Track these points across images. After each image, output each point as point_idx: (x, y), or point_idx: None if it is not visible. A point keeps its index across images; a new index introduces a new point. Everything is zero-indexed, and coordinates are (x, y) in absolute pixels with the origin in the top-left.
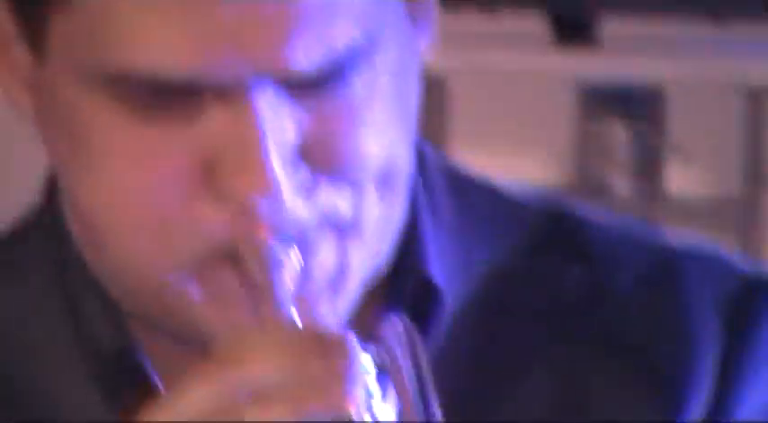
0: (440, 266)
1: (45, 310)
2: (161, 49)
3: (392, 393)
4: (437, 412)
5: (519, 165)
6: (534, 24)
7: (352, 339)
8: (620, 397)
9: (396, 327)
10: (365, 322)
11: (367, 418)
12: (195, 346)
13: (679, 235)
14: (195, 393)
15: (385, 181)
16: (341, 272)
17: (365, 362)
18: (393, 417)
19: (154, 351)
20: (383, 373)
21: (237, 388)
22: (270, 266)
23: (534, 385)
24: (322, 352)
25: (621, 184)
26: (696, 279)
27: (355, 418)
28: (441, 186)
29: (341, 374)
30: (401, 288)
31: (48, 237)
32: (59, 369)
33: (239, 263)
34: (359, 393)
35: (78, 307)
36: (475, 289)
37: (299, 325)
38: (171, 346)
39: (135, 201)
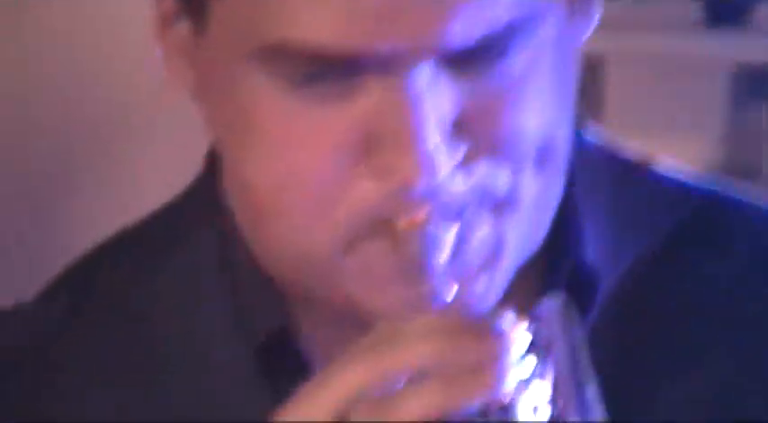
0: (595, 249)
1: (204, 285)
2: (321, 23)
3: (548, 372)
4: (593, 390)
5: (672, 148)
6: (688, 7)
7: (509, 319)
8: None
9: (553, 305)
10: (521, 302)
11: (522, 398)
12: (352, 327)
13: None
14: (350, 373)
15: (543, 158)
16: (497, 249)
17: (521, 341)
18: (548, 395)
19: (311, 333)
20: (539, 352)
21: (392, 370)
22: (426, 244)
23: (690, 369)
24: (477, 334)
25: None
26: None
27: (510, 399)
28: (599, 167)
29: (496, 356)
30: (556, 269)
31: (208, 211)
32: (215, 346)
33: (395, 240)
34: (514, 375)
35: (237, 285)
36: (627, 273)
37: (455, 304)
38: (328, 327)
39: (294, 176)
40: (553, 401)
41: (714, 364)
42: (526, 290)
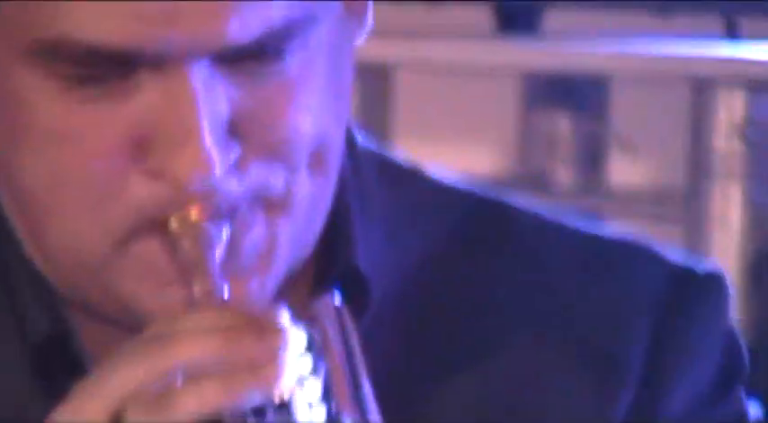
0: (367, 255)
1: None
2: (95, 20)
3: (323, 372)
4: (368, 390)
5: (462, 155)
6: (478, 15)
7: (285, 317)
8: (548, 389)
9: (327, 306)
10: (294, 304)
11: (298, 396)
12: (129, 328)
13: (620, 227)
14: (124, 371)
15: (316, 160)
16: (270, 249)
17: (297, 340)
18: (323, 394)
19: (90, 338)
20: (314, 352)
21: (168, 368)
22: (201, 244)
23: (462, 377)
24: (254, 331)
25: (564, 175)
26: (627, 271)
27: (286, 396)
28: (370, 173)
29: (272, 354)
30: (328, 273)
31: None
32: None
33: (171, 240)
34: (290, 372)
35: (12, 290)
36: (402, 278)
37: (231, 303)
38: (107, 332)
39: (66, 176)
40: (328, 400)
41: (492, 365)
42: (299, 293)
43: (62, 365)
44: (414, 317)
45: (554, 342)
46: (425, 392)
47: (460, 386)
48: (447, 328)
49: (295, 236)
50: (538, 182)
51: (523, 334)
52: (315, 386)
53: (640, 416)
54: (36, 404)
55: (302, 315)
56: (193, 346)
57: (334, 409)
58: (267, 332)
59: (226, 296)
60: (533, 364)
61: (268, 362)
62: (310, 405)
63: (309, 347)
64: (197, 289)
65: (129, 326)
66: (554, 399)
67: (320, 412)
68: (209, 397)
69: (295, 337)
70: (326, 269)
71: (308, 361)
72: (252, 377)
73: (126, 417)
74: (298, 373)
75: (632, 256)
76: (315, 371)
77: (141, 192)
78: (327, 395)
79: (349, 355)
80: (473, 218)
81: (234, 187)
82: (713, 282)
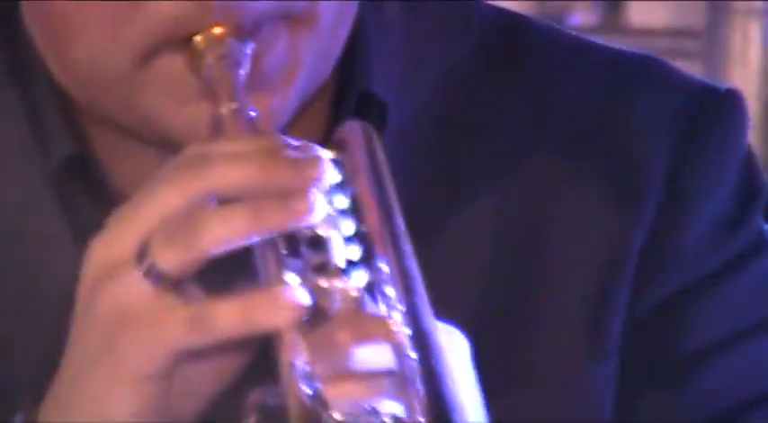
0: (384, 79)
1: (2, 112)
2: None
3: (353, 198)
4: (399, 215)
5: None
6: None
7: (316, 147)
8: (569, 202)
9: (354, 129)
10: (312, 131)
11: (332, 233)
12: (155, 154)
13: None
14: (159, 198)
15: None
16: (293, 65)
17: (331, 171)
18: (357, 228)
19: (113, 160)
20: (346, 180)
21: (203, 192)
22: (227, 60)
23: (483, 194)
24: (289, 159)
25: (584, 14)
26: (649, 83)
27: (319, 230)
28: None
29: (307, 182)
30: (345, 101)
31: (5, 38)
32: (14, 173)
33: (195, 56)
34: (323, 204)
35: (35, 111)
36: (423, 101)
37: (256, 120)
38: (130, 154)
39: None
40: (361, 237)
41: (512, 180)
42: (317, 120)
43: (82, 184)
44: (433, 137)
45: (575, 155)
46: (448, 211)
47: (482, 203)
48: (467, 145)
49: (317, 54)
50: (557, 21)
51: (543, 148)
52: (348, 222)
53: (663, 234)
54: (56, 223)
55: (331, 141)
56: (228, 171)
57: (369, 243)
58: (303, 161)
59: (250, 113)
60: (554, 178)
61: (301, 191)
62: (347, 241)
63: (341, 176)
64: (224, 107)
65: (152, 141)
66: (575, 210)
67: (354, 250)
68: (238, 225)
69: (329, 168)
70: (344, 94)
71: (341, 197)
72: (283, 206)
73: (152, 245)
74: (331, 206)
75: (654, 71)
76: (348, 205)
77: (165, 7)
78: (361, 232)
79: (378, 179)
80: (494, 35)
81: (258, 4)
82: (733, 98)
